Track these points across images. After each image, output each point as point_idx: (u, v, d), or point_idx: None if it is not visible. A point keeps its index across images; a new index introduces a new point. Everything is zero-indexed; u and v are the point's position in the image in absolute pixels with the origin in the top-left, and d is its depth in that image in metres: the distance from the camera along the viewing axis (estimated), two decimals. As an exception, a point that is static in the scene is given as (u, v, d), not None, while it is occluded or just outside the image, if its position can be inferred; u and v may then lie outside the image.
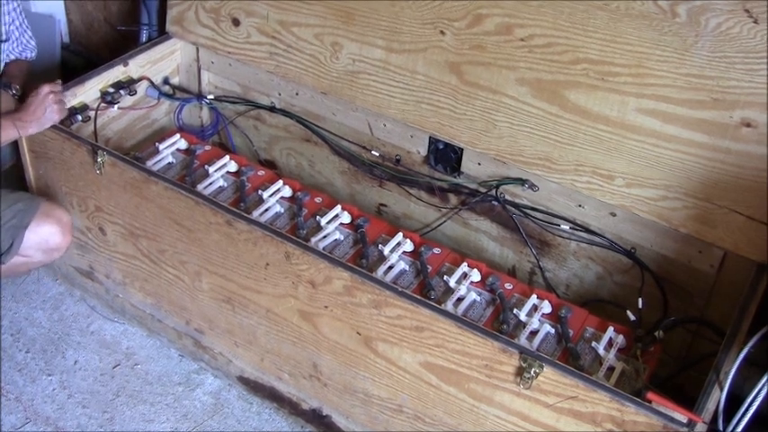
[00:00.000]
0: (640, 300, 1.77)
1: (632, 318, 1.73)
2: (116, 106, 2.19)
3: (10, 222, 1.92)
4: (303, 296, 1.70)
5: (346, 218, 1.95)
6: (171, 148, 2.14)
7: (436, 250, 1.87)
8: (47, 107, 1.89)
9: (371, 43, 1.96)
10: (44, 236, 1.97)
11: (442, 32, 1.85)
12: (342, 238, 1.90)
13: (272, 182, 2.05)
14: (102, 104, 2.14)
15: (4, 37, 2.11)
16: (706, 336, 1.77)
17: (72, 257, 2.18)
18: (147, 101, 2.30)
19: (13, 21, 2.13)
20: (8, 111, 1.94)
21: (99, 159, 1.87)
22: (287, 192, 2.03)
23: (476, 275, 1.81)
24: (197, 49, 2.34)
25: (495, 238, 2.08)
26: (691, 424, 1.33)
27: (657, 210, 1.74)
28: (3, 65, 2.13)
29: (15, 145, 2.10)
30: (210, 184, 2.02)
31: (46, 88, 1.91)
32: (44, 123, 1.91)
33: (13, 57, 2.16)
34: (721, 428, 1.36)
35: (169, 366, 2.05)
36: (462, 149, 1.98)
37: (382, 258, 1.82)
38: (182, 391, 1.99)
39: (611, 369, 1.59)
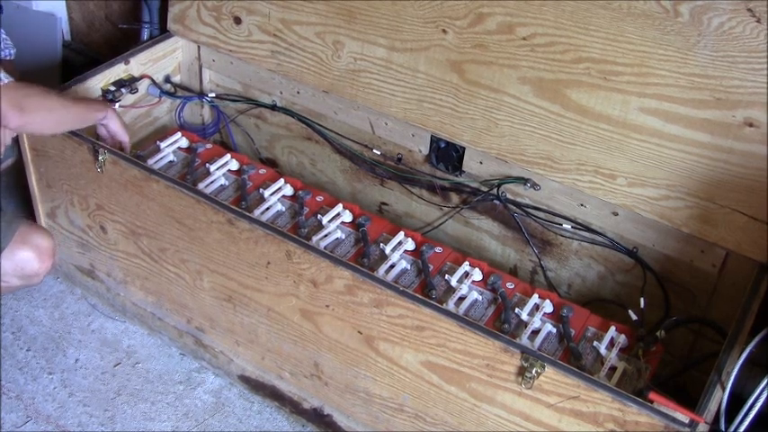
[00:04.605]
0: (642, 299, 1.77)
1: (634, 317, 1.73)
2: (117, 104, 2.18)
3: None
4: (304, 295, 1.69)
5: (348, 216, 1.95)
6: (172, 147, 2.14)
7: (438, 249, 1.87)
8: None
9: (373, 42, 1.96)
10: (19, 263, 1.88)
11: (443, 31, 1.84)
12: (343, 237, 1.90)
13: (274, 180, 2.04)
14: (104, 102, 2.14)
15: None
16: (708, 336, 1.77)
17: (73, 256, 2.18)
18: (149, 99, 2.30)
19: None
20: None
21: (100, 158, 1.87)
22: (288, 190, 2.03)
23: (477, 275, 1.80)
24: (198, 48, 2.33)
25: (496, 238, 2.07)
26: (692, 424, 1.33)
27: (660, 209, 1.73)
28: None
29: (17, 143, 2.09)
30: (212, 182, 2.02)
31: None
32: (125, 131, 1.96)
33: None
34: (723, 429, 1.36)
35: (170, 365, 2.05)
36: (464, 148, 1.97)
37: (383, 257, 1.82)
38: (183, 390, 1.99)
39: (612, 369, 1.59)
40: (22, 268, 1.91)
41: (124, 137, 1.97)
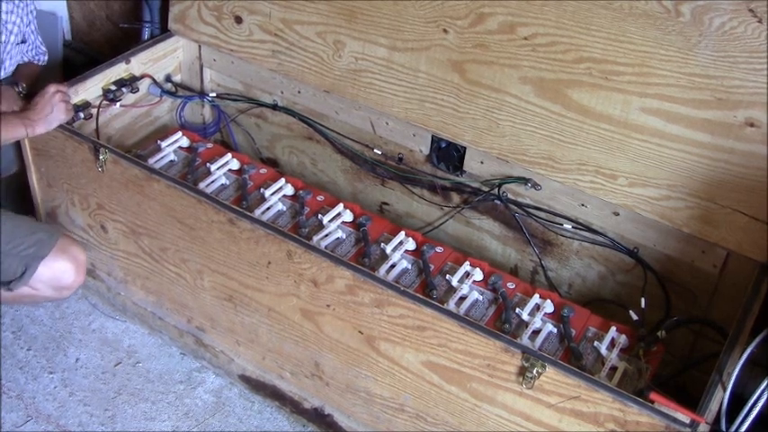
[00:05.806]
0: (643, 299, 1.77)
1: (635, 317, 1.73)
2: (118, 104, 2.19)
3: (27, 251, 1.88)
4: (305, 295, 1.69)
5: (348, 216, 1.95)
6: (173, 146, 2.14)
7: (438, 249, 1.87)
8: (54, 106, 1.89)
9: (374, 41, 1.96)
10: (57, 272, 1.92)
11: (444, 31, 1.84)
12: (344, 237, 1.90)
13: (275, 180, 2.04)
14: (105, 102, 2.14)
15: (21, 38, 2.11)
16: (709, 336, 1.77)
17: (74, 255, 2.18)
18: (149, 98, 2.30)
19: (29, 23, 2.14)
20: (13, 109, 1.93)
21: (101, 157, 1.87)
22: (289, 190, 2.03)
23: (478, 274, 1.80)
24: (199, 47, 2.33)
25: (497, 237, 2.07)
26: (693, 424, 1.33)
27: (660, 209, 1.73)
28: (15, 66, 2.13)
29: (19, 150, 2.09)
30: (212, 182, 2.02)
31: (52, 88, 1.90)
32: (52, 123, 1.89)
33: (26, 59, 2.17)
34: (724, 429, 1.36)
35: (170, 364, 2.05)
36: (465, 148, 1.97)
37: (384, 257, 1.82)
38: (183, 390, 1.99)
39: (613, 369, 1.59)
40: (58, 278, 1.92)
41: (55, 122, 1.90)
